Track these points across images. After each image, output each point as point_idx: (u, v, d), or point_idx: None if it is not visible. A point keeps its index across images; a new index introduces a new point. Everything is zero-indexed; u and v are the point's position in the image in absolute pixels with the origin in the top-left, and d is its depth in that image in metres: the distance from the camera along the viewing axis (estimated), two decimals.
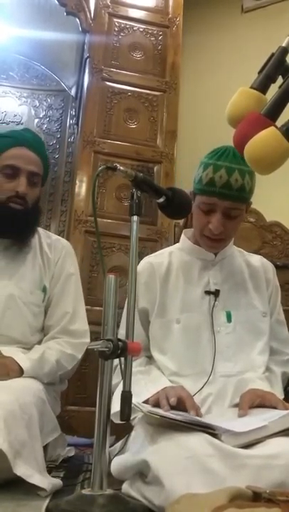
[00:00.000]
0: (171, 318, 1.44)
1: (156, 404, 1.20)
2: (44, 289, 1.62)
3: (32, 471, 1.15)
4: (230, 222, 1.42)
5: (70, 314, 1.62)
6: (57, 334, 1.60)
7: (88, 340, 1.65)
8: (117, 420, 1.06)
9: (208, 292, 1.45)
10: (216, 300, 1.44)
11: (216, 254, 1.50)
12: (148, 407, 1.14)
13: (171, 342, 1.42)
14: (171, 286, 1.48)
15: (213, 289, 1.46)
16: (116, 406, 1.04)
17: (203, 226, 1.43)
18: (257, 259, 1.59)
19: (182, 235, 1.59)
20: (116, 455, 1.22)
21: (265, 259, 1.61)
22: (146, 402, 1.23)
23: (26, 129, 1.72)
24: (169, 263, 1.52)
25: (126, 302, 1.43)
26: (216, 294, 1.45)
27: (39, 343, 1.60)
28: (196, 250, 1.51)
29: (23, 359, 1.45)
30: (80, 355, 1.60)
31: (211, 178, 1.36)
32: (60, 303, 1.63)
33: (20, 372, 1.43)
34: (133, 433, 1.23)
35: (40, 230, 1.71)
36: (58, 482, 1.22)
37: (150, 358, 1.49)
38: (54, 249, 1.69)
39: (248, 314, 1.46)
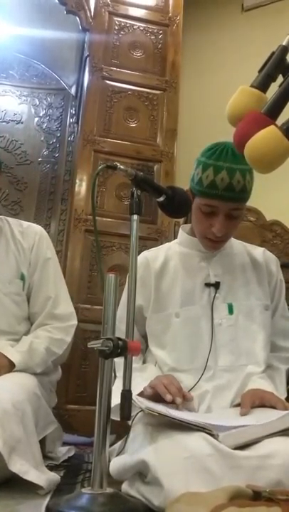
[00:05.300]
0: (171, 312, 1.42)
1: (153, 398, 1.19)
2: (22, 277, 1.62)
3: (28, 467, 1.15)
4: (232, 222, 1.39)
5: (52, 299, 1.62)
6: (43, 320, 1.60)
7: (75, 322, 1.65)
8: (115, 418, 1.06)
9: (208, 285, 1.43)
10: (216, 292, 1.42)
11: None
12: (146, 403, 1.13)
13: (170, 336, 1.40)
14: (169, 279, 1.46)
15: (213, 281, 1.43)
16: (114, 404, 1.04)
17: (205, 229, 1.40)
18: (259, 252, 1.55)
19: (180, 230, 1.56)
20: (116, 456, 1.21)
21: (268, 252, 1.57)
22: (140, 394, 1.22)
23: None
24: (166, 257, 1.50)
25: (121, 299, 1.43)
26: (216, 286, 1.42)
27: (28, 331, 1.60)
28: (195, 242, 1.48)
29: (12, 353, 1.45)
30: (69, 339, 1.60)
31: (212, 180, 1.32)
32: (42, 289, 1.63)
33: (10, 367, 1.43)
34: (131, 433, 1.22)
35: (9, 219, 1.71)
36: (55, 477, 1.22)
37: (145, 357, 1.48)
38: (27, 236, 1.67)
39: (250, 306, 1.43)
